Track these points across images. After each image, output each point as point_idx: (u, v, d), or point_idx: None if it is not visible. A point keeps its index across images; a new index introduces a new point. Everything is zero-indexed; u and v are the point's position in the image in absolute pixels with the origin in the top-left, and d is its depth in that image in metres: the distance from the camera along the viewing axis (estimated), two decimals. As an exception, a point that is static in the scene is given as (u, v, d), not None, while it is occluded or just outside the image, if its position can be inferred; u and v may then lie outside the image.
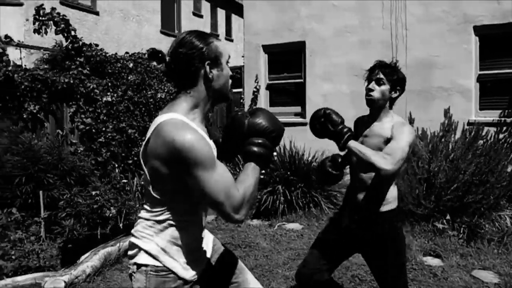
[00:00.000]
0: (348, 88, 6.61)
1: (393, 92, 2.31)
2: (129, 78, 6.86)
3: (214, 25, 17.05)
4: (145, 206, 1.61)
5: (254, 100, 7.60)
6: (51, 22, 5.86)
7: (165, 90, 7.63)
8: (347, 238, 2.46)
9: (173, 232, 1.56)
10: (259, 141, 1.56)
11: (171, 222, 1.55)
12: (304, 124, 7.07)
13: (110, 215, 4.85)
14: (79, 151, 5.89)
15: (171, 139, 1.41)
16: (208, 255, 1.80)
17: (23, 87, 5.35)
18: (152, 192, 1.55)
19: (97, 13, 11.86)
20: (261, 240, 4.87)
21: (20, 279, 3.46)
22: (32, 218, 4.37)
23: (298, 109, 7.36)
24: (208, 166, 1.43)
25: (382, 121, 2.34)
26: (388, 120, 2.33)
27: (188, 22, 15.37)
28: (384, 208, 2.33)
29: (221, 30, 17.53)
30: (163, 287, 1.55)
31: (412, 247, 4.41)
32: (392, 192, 2.36)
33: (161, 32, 14.08)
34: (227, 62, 1.63)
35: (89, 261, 3.89)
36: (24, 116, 5.46)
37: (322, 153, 6.35)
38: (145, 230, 1.58)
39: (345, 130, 2.20)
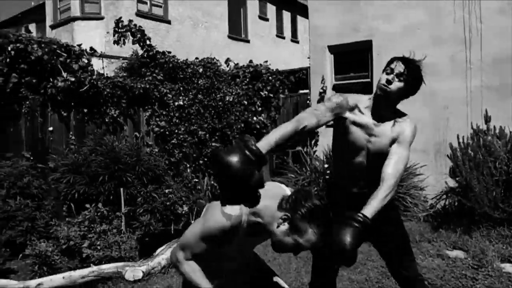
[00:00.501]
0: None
1: (407, 92, 2.21)
2: (199, 82, 7.19)
3: (279, 27, 17.18)
4: None
5: (321, 101, 7.61)
6: (129, 33, 6.33)
7: (233, 93, 7.88)
8: None
9: None
10: None
11: None
12: (371, 124, 6.94)
13: (183, 212, 5.15)
14: (154, 152, 6.28)
15: (207, 219, 1.72)
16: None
17: (105, 93, 5.85)
18: None
19: (168, 22, 12.51)
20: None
21: (105, 267, 3.80)
22: (114, 213, 4.76)
23: (365, 109, 7.25)
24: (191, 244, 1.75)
25: (390, 118, 2.25)
26: (394, 117, 2.26)
27: (254, 26, 15.65)
28: None
29: (287, 32, 17.62)
30: None
31: (488, 253, 4.19)
32: None
33: (229, 37, 14.50)
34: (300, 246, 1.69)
35: (164, 254, 4.18)
36: (106, 120, 5.95)
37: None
38: None
39: (360, 218, 1.87)
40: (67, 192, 5.13)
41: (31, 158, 5.17)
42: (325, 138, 7.34)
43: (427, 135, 6.28)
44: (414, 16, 6.50)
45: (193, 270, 1.76)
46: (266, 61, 8.77)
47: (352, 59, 7.39)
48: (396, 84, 2.16)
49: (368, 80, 7.10)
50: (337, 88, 7.59)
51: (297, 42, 18.19)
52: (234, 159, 1.59)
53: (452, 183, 5.26)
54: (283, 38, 17.34)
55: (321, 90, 7.55)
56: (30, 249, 3.99)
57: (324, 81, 7.52)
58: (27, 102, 5.10)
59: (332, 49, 7.51)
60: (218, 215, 1.65)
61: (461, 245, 4.43)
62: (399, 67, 2.16)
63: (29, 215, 4.58)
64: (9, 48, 4.75)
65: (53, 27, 12.18)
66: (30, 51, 4.93)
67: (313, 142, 7.56)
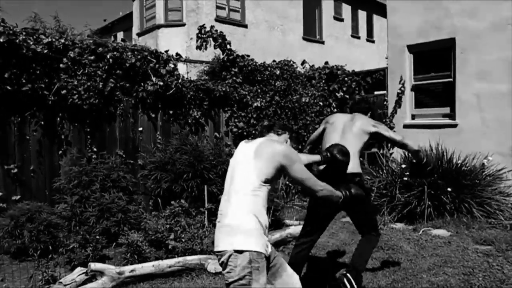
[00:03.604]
0: (507, 86, 6.03)
1: None
2: (276, 84, 7.37)
3: (355, 27, 16.88)
4: None
5: (398, 101, 7.43)
6: (211, 38, 6.67)
7: (309, 95, 7.96)
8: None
9: None
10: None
11: None
12: (453, 126, 6.66)
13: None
14: (233, 152, 6.55)
15: (279, 146, 2.35)
16: None
17: (189, 96, 6.22)
18: None
19: (245, 26, 12.87)
20: (404, 244, 4.80)
21: (189, 258, 4.08)
22: (197, 208, 5.07)
23: (446, 110, 6.96)
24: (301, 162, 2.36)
25: None
26: None
27: (329, 27, 15.55)
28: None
29: (362, 32, 17.25)
30: None
31: None
32: None
33: (304, 39, 14.57)
34: None
35: (243, 249, 4.37)
36: (189, 121, 6.33)
37: (474, 156, 5.94)
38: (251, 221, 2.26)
39: None
40: (154, 187, 5.56)
41: (123, 155, 5.67)
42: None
43: (517, 138, 5.89)
44: (504, 11, 6.13)
45: (330, 189, 2.39)
46: (343, 66, 8.72)
47: (432, 58, 7.14)
48: None
49: (450, 79, 6.81)
50: (416, 89, 7.36)
51: (373, 42, 17.76)
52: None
53: (545, 189, 4.91)
54: (358, 38, 17.04)
55: (399, 91, 7.37)
56: (124, 238, 4.40)
57: (403, 81, 7.34)
58: (121, 105, 5.60)
59: (411, 48, 7.31)
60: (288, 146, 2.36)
61: (555, 257, 4.13)
62: None
63: (122, 207, 5.03)
64: (108, 56, 5.26)
65: (139, 34, 13.09)
66: (125, 58, 5.42)
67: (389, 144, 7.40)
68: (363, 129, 3.27)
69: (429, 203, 5.44)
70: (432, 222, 5.41)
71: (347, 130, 3.29)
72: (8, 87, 4.64)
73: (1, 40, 4.49)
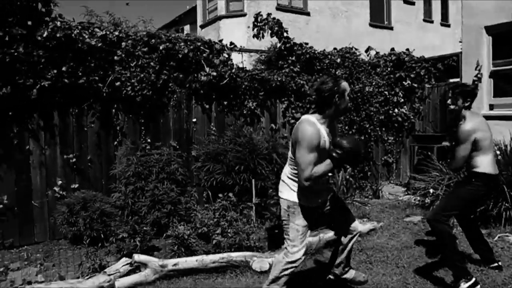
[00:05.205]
0: None
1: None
2: (336, 72, 6.96)
3: (427, 11, 15.65)
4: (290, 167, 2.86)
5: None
6: (267, 26, 6.43)
7: (373, 84, 7.45)
8: None
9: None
10: (337, 151, 2.59)
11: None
12: (540, 117, 5.85)
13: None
14: (289, 144, 6.30)
15: (299, 126, 2.67)
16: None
17: (243, 86, 6.05)
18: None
19: (308, 14, 12.44)
20: (475, 250, 4.25)
21: (234, 255, 3.92)
22: (246, 202, 4.90)
23: (532, 99, 6.14)
24: (306, 146, 2.55)
25: None
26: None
27: (398, 12, 14.59)
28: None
29: (436, 15, 15.95)
30: None
31: None
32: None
33: (370, 25, 13.81)
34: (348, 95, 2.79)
35: (292, 248, 4.12)
36: (244, 112, 6.17)
37: None
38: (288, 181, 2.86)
39: None
40: (207, 179, 5.48)
41: (177, 147, 5.65)
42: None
43: None
44: None
45: (317, 169, 2.58)
46: (408, 49, 8.06)
47: (515, 40, 6.31)
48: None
49: (538, 64, 5.98)
50: (495, 75, 6.58)
51: (448, 26, 16.40)
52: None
53: None
54: (432, 22, 15.80)
55: (475, 78, 6.63)
56: (171, 230, 4.35)
57: (480, 67, 6.58)
58: (175, 96, 5.57)
59: (490, 29, 6.52)
60: (301, 128, 2.61)
61: None
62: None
63: (173, 199, 5.01)
64: (161, 48, 5.24)
65: (202, 26, 13.18)
66: (177, 49, 5.36)
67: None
68: None
69: (508, 205, 4.80)
70: (511, 227, 4.77)
71: None
72: (66, 80, 4.77)
73: (58, 35, 4.61)
